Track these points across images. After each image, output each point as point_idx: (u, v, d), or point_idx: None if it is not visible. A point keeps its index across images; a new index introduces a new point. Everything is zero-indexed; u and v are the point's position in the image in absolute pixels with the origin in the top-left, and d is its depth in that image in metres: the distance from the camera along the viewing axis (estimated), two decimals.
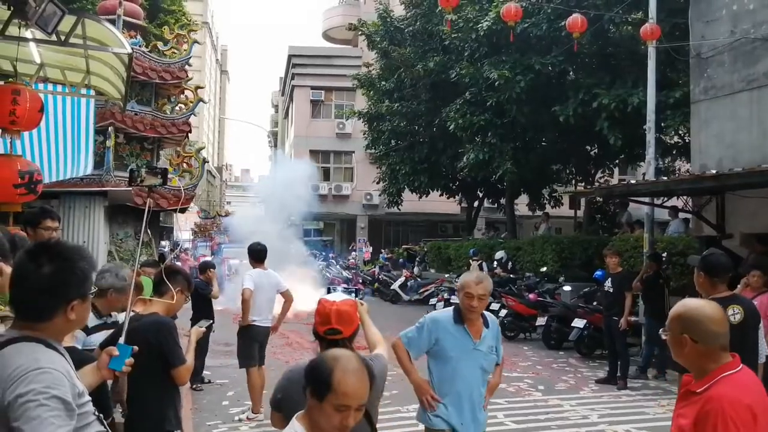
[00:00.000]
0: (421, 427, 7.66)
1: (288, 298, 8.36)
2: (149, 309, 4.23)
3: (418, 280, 23.24)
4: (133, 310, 5.12)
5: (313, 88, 36.38)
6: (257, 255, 8.32)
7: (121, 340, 3.15)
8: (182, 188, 12.58)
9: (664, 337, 2.80)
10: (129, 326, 4.07)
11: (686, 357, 2.69)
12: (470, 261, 18.59)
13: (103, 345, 3.75)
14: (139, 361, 3.96)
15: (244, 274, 8.46)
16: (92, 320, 4.24)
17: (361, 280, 24.45)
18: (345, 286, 6.32)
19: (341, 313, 3.05)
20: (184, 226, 40.82)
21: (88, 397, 2.23)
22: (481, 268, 18.01)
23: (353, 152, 35.23)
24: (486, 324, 4.33)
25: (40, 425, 1.94)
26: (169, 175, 11.43)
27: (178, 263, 24.28)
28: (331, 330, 3.02)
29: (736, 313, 4.46)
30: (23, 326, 2.16)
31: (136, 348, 2.98)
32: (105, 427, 2.31)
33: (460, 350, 4.24)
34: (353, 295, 5.53)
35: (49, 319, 2.15)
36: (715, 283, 4.59)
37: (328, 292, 5.67)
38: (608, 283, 10.56)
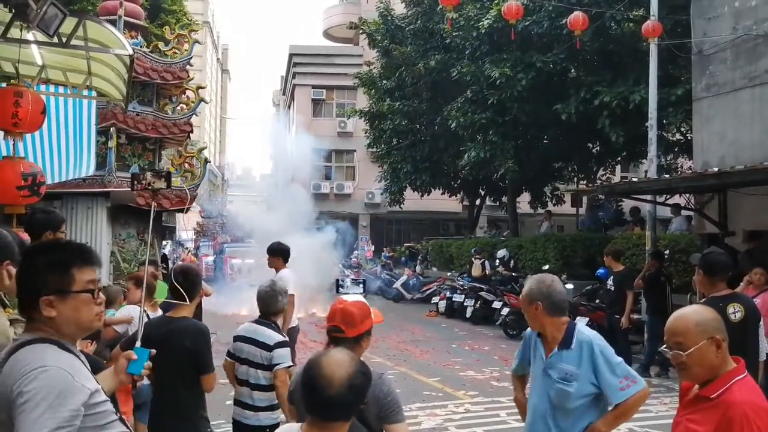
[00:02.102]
0: (422, 426, 7.70)
1: (291, 299, 8.34)
2: (179, 313, 4.27)
3: (420, 278, 23.27)
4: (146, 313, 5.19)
5: (314, 87, 36.40)
6: (286, 255, 8.03)
7: (138, 343, 3.15)
8: (186, 188, 12.60)
9: (677, 358, 2.63)
10: (164, 329, 4.14)
11: (714, 361, 2.59)
12: (472, 259, 18.59)
13: (123, 348, 3.85)
14: (174, 365, 4.05)
15: (284, 277, 7.77)
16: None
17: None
18: (353, 277, 6.31)
19: (345, 313, 3.08)
20: (186, 225, 40.85)
21: (105, 397, 2.20)
22: (483, 266, 18.03)
23: (355, 151, 35.24)
24: (564, 343, 3.44)
25: (35, 424, 1.94)
26: (172, 177, 11.48)
27: (180, 263, 24.35)
28: (333, 327, 3.07)
29: (736, 311, 4.47)
30: (34, 328, 2.17)
31: (153, 351, 2.99)
32: (128, 428, 2.29)
33: (536, 369, 3.56)
34: (361, 286, 5.55)
35: (31, 317, 2.16)
36: (714, 281, 4.60)
37: (337, 284, 5.69)
38: (610, 281, 10.62)
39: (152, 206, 3.95)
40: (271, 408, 4.81)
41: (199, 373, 4.12)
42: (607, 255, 10.77)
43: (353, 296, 3.29)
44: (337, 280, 5.62)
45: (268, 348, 4.71)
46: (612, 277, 10.63)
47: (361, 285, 5.51)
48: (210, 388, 4.24)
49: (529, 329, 3.70)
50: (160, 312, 6.02)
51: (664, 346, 2.71)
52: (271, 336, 4.78)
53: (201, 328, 4.24)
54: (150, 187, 3.89)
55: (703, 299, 4.79)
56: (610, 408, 3.42)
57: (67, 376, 2.04)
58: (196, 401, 4.20)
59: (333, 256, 20.87)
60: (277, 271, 7.89)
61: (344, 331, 3.05)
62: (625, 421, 3.51)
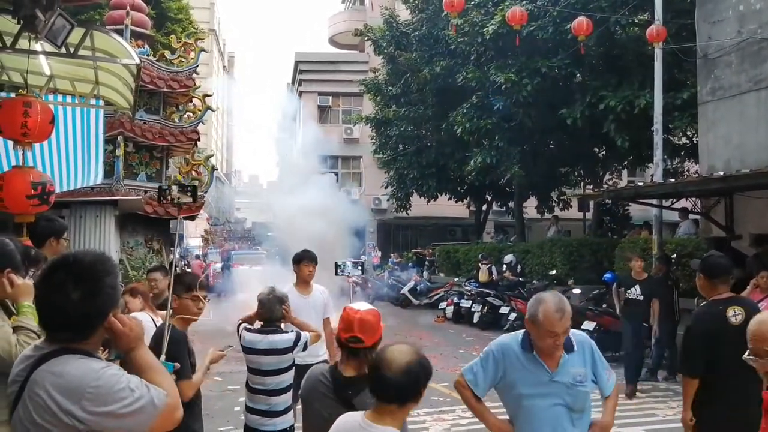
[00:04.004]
0: (430, 431, 7.70)
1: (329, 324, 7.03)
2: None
3: (428, 284, 23.26)
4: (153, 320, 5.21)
5: (320, 93, 36.46)
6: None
7: (162, 357, 3.20)
8: (203, 193, 12.65)
9: (765, 367, 2.58)
10: (153, 339, 4.12)
11: None
12: (479, 265, 18.60)
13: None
14: None
15: (328, 298, 6.63)
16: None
17: (369, 284, 24.44)
18: (353, 260, 6.07)
19: (364, 322, 3.10)
20: (194, 233, 40.93)
21: None
22: (490, 271, 18.02)
23: (361, 157, 35.28)
24: (567, 347, 3.39)
25: (141, 405, 2.07)
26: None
27: (188, 270, 24.43)
28: (353, 338, 3.08)
29: (737, 314, 4.44)
30: (60, 340, 2.14)
31: (178, 365, 3.02)
32: None
33: (533, 384, 3.38)
34: (360, 269, 5.55)
35: (90, 336, 2.17)
36: (715, 284, 4.58)
37: (336, 266, 5.66)
38: (636, 291, 9.99)
39: (178, 219, 4.00)
40: (286, 411, 4.90)
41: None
42: (636, 260, 10.21)
43: (363, 304, 3.31)
44: (336, 263, 5.61)
45: (290, 350, 4.83)
46: (639, 286, 9.97)
47: (360, 267, 5.54)
48: (184, 397, 4.14)
49: (496, 346, 3.54)
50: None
51: (747, 353, 2.60)
52: (286, 339, 4.88)
53: (173, 335, 4.20)
54: (176, 202, 3.91)
55: (704, 303, 4.79)
56: (603, 399, 3.60)
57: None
58: (185, 413, 4.14)
59: (347, 243, 20.00)
60: (308, 283, 6.52)
61: (363, 340, 3.07)
62: None
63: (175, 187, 3.93)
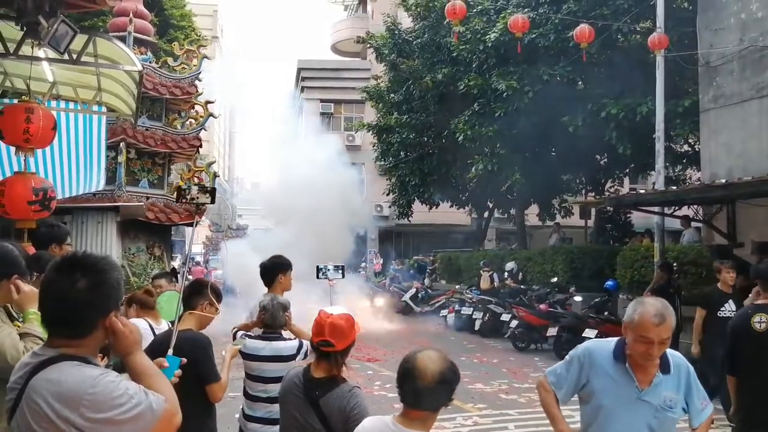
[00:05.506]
0: None
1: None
2: (183, 325, 4.27)
3: (429, 291, 23.22)
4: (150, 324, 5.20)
5: (322, 100, 36.51)
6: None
7: (170, 351, 3.23)
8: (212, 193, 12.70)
9: None
10: (168, 343, 4.12)
11: None
12: (481, 272, 18.58)
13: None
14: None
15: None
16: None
17: (371, 291, 24.39)
18: (335, 264, 5.88)
19: (335, 327, 3.17)
20: (195, 239, 40.87)
21: None
22: (491, 279, 17.99)
23: (363, 164, 35.28)
24: (664, 367, 3.11)
25: (145, 406, 2.06)
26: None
27: (190, 277, 24.37)
28: (323, 341, 3.15)
29: (762, 321, 4.49)
30: (60, 344, 2.12)
31: (184, 360, 3.06)
32: None
33: (617, 398, 3.10)
34: (340, 272, 5.53)
35: (89, 333, 2.14)
36: (763, 288, 4.72)
37: (318, 270, 5.58)
38: (729, 306, 7.98)
39: (194, 221, 4.01)
40: None
41: (204, 383, 4.06)
42: (728, 270, 8.16)
43: (338, 308, 3.37)
44: (318, 267, 5.57)
45: (294, 357, 4.76)
46: (732, 300, 7.99)
47: (341, 271, 5.51)
48: (217, 399, 4.18)
49: (582, 350, 3.31)
50: (164, 324, 6.03)
51: None
52: (290, 346, 4.81)
53: (199, 337, 4.21)
54: (194, 201, 3.92)
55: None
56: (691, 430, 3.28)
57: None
58: (200, 413, 4.15)
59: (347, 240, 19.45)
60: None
61: (334, 344, 3.14)
62: None
63: (195, 188, 3.95)
